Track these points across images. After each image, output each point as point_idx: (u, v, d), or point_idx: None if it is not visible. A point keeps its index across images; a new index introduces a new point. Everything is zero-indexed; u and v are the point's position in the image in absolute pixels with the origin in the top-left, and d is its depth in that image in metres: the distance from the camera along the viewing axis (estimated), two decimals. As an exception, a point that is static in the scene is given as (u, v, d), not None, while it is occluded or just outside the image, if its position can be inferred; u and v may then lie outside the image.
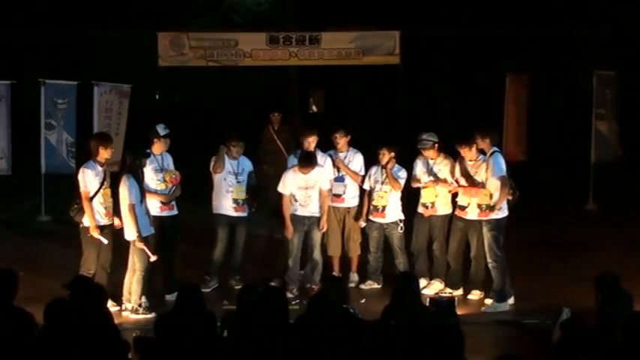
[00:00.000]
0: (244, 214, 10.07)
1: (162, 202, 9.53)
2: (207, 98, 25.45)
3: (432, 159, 9.88)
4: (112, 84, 14.80)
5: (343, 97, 26.31)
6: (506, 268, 9.31)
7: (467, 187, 9.48)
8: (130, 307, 8.98)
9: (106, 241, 9.04)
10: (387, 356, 5.55)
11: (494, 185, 9.24)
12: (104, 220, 9.06)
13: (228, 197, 9.97)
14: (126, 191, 8.78)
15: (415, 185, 9.98)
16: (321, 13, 21.06)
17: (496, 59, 21.10)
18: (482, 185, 9.35)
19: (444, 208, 9.86)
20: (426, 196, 9.86)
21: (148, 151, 9.43)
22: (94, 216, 8.96)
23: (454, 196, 9.76)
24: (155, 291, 9.37)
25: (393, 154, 9.87)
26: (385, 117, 20.50)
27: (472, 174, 9.49)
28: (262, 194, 10.83)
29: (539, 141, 17.21)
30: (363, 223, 10.09)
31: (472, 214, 9.41)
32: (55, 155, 14.09)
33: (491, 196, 9.24)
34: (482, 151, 9.46)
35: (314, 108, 27.57)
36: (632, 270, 9.08)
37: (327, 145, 10.23)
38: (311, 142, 9.93)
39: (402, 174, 9.92)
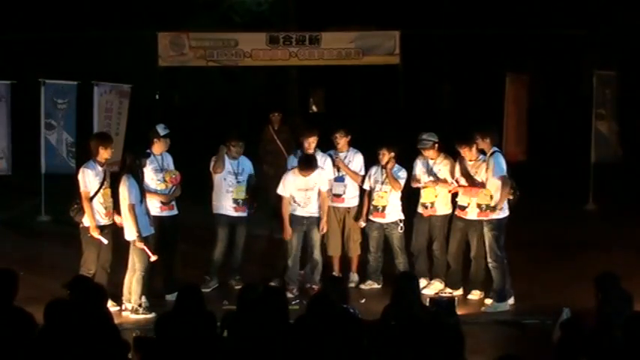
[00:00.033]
0: (244, 214, 10.07)
1: (162, 202, 9.53)
2: (207, 98, 25.45)
3: (432, 159, 9.88)
4: (112, 84, 14.80)
5: (343, 97, 26.32)
6: (507, 268, 9.32)
7: (467, 186, 9.48)
8: (130, 307, 8.98)
9: (106, 241, 9.04)
10: (387, 356, 5.56)
11: (494, 185, 9.24)
12: (104, 220, 9.06)
13: (228, 197, 9.97)
14: (126, 191, 8.78)
15: (415, 185, 9.98)
16: (321, 13, 21.08)
17: (496, 59, 21.11)
18: (483, 185, 9.35)
19: (443, 208, 9.86)
20: (425, 196, 9.86)
21: (148, 151, 9.43)
22: (94, 216, 8.96)
23: (454, 196, 9.76)
24: (155, 291, 9.37)
25: (392, 154, 9.87)
26: (385, 117, 20.50)
27: (472, 174, 9.49)
28: (262, 194, 10.83)
29: (539, 141, 17.22)
30: (362, 223, 10.09)
31: (472, 214, 9.41)
32: (55, 155, 14.09)
33: (491, 196, 9.25)
34: (482, 151, 9.46)
35: (314, 108, 27.59)
36: (632, 270, 9.09)
37: (327, 145, 10.24)
38: (311, 142, 9.93)
39: (402, 174, 9.92)
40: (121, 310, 8.98)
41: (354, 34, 15.34)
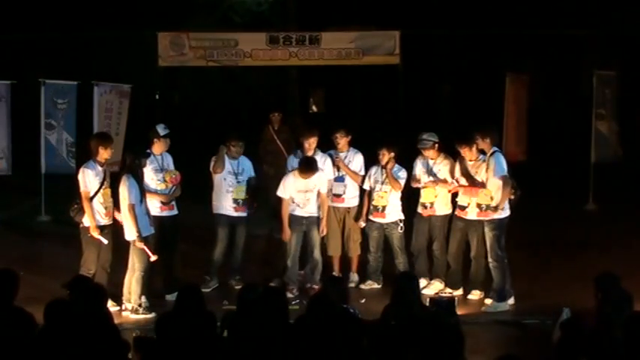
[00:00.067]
0: (244, 214, 10.07)
1: (162, 202, 9.54)
2: (207, 98, 25.45)
3: (432, 159, 9.88)
4: (112, 84, 14.80)
5: (343, 97, 26.32)
6: (507, 268, 9.32)
7: (467, 186, 9.48)
8: (130, 307, 8.98)
9: (106, 241, 9.04)
10: (387, 356, 5.55)
11: (495, 185, 9.24)
12: (104, 220, 9.06)
13: (228, 197, 9.97)
14: (126, 191, 8.78)
15: (415, 185, 9.99)
16: (321, 13, 21.08)
17: (496, 59, 21.11)
18: (483, 185, 9.35)
19: (443, 208, 9.86)
20: (425, 196, 9.86)
21: (148, 151, 9.44)
22: (94, 216, 8.96)
23: (454, 196, 9.76)
24: (155, 291, 9.37)
25: (392, 154, 9.87)
26: (385, 117, 20.50)
27: (472, 174, 9.49)
28: (262, 194, 10.83)
29: (539, 141, 17.21)
30: (362, 224, 10.09)
31: (472, 214, 9.42)
32: (55, 155, 14.09)
33: (491, 197, 9.24)
34: (482, 151, 9.46)
35: (314, 108, 27.58)
36: (632, 270, 9.08)
37: (327, 145, 10.24)
38: (311, 143, 9.94)
39: (402, 174, 9.92)
40: (121, 310, 8.98)
41: (354, 34, 15.33)
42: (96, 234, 8.96)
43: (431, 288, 9.77)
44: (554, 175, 17.60)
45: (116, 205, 9.08)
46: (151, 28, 15.90)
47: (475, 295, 9.61)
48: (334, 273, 9.99)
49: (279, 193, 9.82)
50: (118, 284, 9.07)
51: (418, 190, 9.96)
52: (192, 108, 25.30)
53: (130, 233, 8.87)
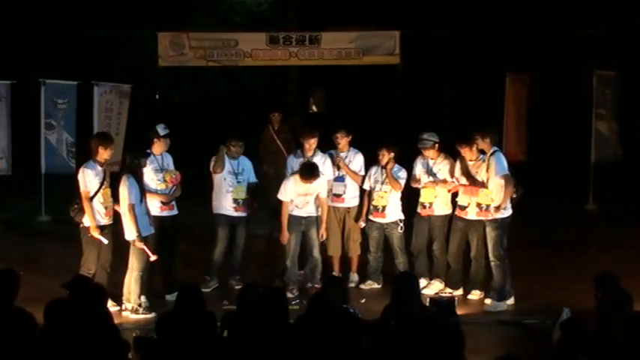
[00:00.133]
0: (244, 214, 10.07)
1: (162, 202, 9.53)
2: (207, 98, 25.45)
3: (432, 159, 9.88)
4: (112, 84, 14.80)
5: (343, 97, 26.32)
6: (508, 268, 9.32)
7: (467, 185, 9.47)
8: (130, 307, 8.98)
9: (106, 241, 9.04)
10: (387, 356, 5.55)
11: (497, 185, 9.23)
12: (104, 220, 9.06)
13: (228, 197, 9.97)
14: (126, 191, 8.78)
15: (415, 185, 9.99)
16: (321, 13, 21.08)
17: (496, 59, 21.11)
18: (483, 185, 9.35)
19: (443, 208, 9.86)
20: (424, 196, 9.86)
21: (148, 151, 9.43)
22: (94, 216, 8.96)
23: (454, 196, 9.76)
24: (155, 291, 9.37)
25: (392, 154, 9.87)
26: (385, 117, 20.50)
27: (473, 174, 9.48)
28: (262, 194, 10.82)
29: (539, 141, 17.22)
30: (362, 224, 10.09)
31: (472, 214, 9.41)
32: (55, 155, 14.09)
33: (492, 198, 9.24)
34: (482, 151, 9.46)
35: (314, 108, 27.57)
36: (632, 270, 9.08)
37: (327, 145, 10.24)
38: (312, 144, 9.96)
39: (402, 174, 9.92)
40: (121, 310, 8.98)
41: (354, 34, 15.33)
42: (96, 234, 8.96)
43: (431, 288, 9.77)
44: (554, 175, 17.59)
45: (116, 203, 9.08)
46: (151, 28, 15.92)
47: (475, 295, 9.61)
48: (334, 273, 9.98)
49: (280, 196, 9.82)
50: (118, 284, 9.06)
51: (418, 190, 9.96)
52: (192, 108, 25.29)
53: (130, 233, 8.87)
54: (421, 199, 9.89)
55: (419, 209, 9.91)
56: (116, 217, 9.14)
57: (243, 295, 6.44)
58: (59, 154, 14.12)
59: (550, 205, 14.60)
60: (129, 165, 8.94)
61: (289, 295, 9.14)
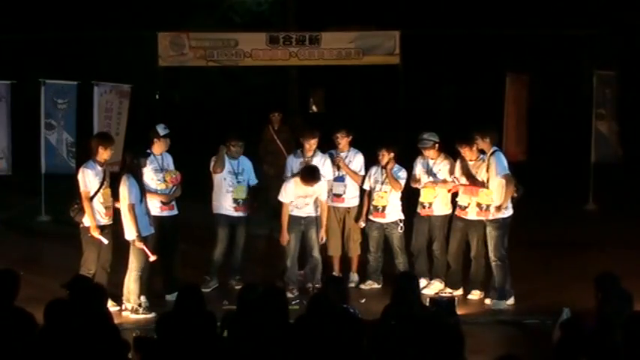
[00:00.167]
0: (244, 214, 10.07)
1: (162, 202, 9.54)
2: (207, 98, 25.44)
3: (432, 159, 9.89)
4: (112, 84, 14.80)
5: (343, 97, 26.29)
6: (509, 268, 9.32)
7: (467, 185, 9.47)
8: (130, 307, 8.98)
9: (106, 241, 9.04)
10: (387, 356, 5.55)
11: (497, 184, 9.23)
12: (104, 220, 9.07)
13: (228, 197, 9.97)
14: (126, 191, 8.78)
15: (415, 185, 9.99)
16: (321, 13, 21.06)
17: (496, 59, 21.09)
18: (483, 184, 9.35)
19: (443, 208, 9.86)
20: (424, 196, 9.86)
21: (148, 151, 9.44)
22: (94, 216, 8.96)
23: (454, 196, 9.76)
24: (155, 291, 9.38)
25: (392, 154, 9.88)
26: (385, 117, 20.48)
27: (473, 174, 9.49)
28: (262, 194, 10.83)
29: (539, 141, 17.21)
30: (362, 224, 10.09)
31: (472, 213, 9.42)
32: (55, 155, 14.09)
33: (492, 198, 9.24)
34: (482, 151, 9.46)
35: (314, 108, 27.54)
36: (632, 270, 9.07)
37: (327, 145, 10.24)
38: (312, 144, 9.97)
39: (402, 174, 9.93)
40: (121, 310, 8.98)
41: (354, 34, 15.32)
42: (96, 234, 8.96)
43: (431, 288, 9.78)
44: (554, 175, 17.59)
45: (116, 200, 9.08)
46: (151, 28, 15.90)
47: (475, 295, 9.61)
48: (334, 273, 9.99)
49: (280, 197, 9.82)
50: (118, 284, 9.07)
51: (418, 190, 9.96)
52: (192, 108, 25.28)
53: (130, 233, 8.87)
54: (421, 199, 9.89)
55: (419, 209, 9.92)
56: (116, 217, 9.14)
57: (243, 295, 6.44)
58: (59, 154, 14.12)
59: (550, 205, 14.61)
60: (129, 165, 8.94)
61: (289, 295, 9.15)
